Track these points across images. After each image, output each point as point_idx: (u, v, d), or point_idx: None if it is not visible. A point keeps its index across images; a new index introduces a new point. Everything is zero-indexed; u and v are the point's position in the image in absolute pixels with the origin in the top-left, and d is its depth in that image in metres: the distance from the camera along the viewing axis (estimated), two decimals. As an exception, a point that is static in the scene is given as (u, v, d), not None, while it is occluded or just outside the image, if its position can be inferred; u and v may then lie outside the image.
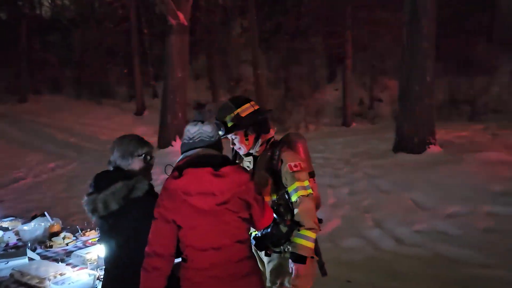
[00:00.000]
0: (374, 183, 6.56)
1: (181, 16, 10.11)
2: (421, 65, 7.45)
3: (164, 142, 10.34)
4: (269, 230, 2.25)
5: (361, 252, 4.84)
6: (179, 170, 1.96)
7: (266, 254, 2.35)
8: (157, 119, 11.56)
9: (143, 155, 2.23)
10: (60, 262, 2.74)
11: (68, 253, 2.92)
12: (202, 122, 2.12)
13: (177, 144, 9.99)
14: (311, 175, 2.48)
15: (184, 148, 2.10)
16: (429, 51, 7.45)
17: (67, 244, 3.10)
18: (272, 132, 2.47)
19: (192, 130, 2.10)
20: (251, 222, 2.04)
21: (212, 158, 2.01)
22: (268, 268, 2.40)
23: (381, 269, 4.38)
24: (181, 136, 9.88)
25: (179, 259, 2.01)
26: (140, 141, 2.26)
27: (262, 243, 2.28)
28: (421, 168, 6.55)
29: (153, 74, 17.89)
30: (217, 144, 2.12)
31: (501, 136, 8.58)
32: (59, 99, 17.44)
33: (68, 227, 3.51)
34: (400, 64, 8.02)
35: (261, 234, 2.28)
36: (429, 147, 7.26)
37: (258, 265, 2.08)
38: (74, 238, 3.21)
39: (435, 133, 7.64)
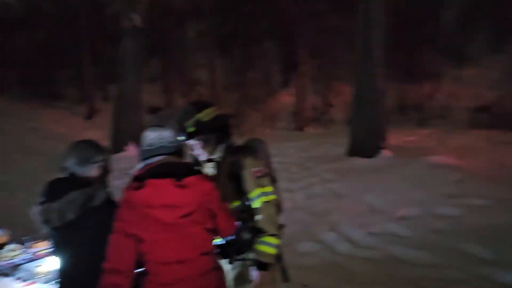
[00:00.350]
0: (329, 187, 6.68)
1: (135, 18, 9.89)
2: (372, 72, 7.71)
3: (117, 147, 10.04)
4: (231, 237, 2.22)
5: (317, 256, 4.90)
6: (139, 180, 1.88)
7: (229, 262, 2.32)
8: (108, 123, 11.20)
9: (101, 162, 2.13)
10: (8, 277, 2.57)
11: (16, 267, 2.74)
12: (162, 127, 2.06)
13: (130, 150, 9.74)
14: (273, 180, 2.48)
15: (144, 155, 2.01)
16: (380, 59, 7.73)
17: (13, 257, 2.92)
18: (233, 138, 2.45)
19: (152, 136, 2.01)
20: (215, 232, 2.00)
21: (174, 167, 1.94)
22: (230, 276, 2.37)
23: (337, 272, 4.46)
24: (135, 141, 9.71)
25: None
26: (98, 147, 2.16)
27: (226, 251, 2.25)
28: (374, 172, 6.75)
29: (105, 76, 17.36)
30: (179, 151, 2.06)
31: (447, 140, 9.04)
32: (3, 101, 16.50)
33: (15, 238, 3.30)
34: (353, 71, 8.26)
35: (224, 242, 2.25)
36: (381, 151, 7.50)
37: (224, 276, 2.04)
38: (23, 250, 3.03)
39: (387, 138, 7.91)
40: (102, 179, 2.13)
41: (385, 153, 7.47)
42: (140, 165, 1.99)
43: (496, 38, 14.19)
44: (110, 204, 2.00)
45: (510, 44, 13.76)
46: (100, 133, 12.50)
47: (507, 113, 11.18)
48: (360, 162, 7.38)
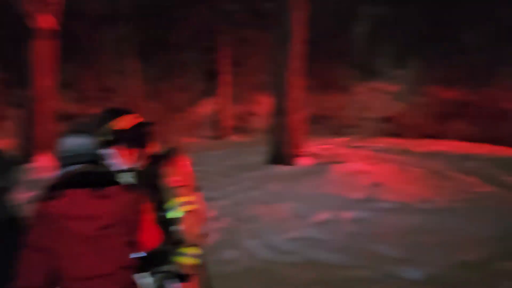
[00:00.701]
0: (250, 195, 6.78)
1: (47, 19, 9.30)
2: (290, 83, 8.01)
3: (25, 158, 9.31)
4: (151, 249, 2.15)
5: (240, 263, 4.93)
6: (56, 190, 1.75)
7: (149, 275, 2.24)
8: (13, 131, 10.38)
9: (13, 175, 1.95)
10: None
11: None
12: (82, 133, 1.94)
13: (41, 160, 9.09)
14: (194, 189, 2.45)
15: (62, 163, 1.87)
16: (297, 70, 8.06)
17: None
18: (152, 146, 2.38)
19: (70, 143, 1.88)
20: (137, 244, 1.91)
21: (95, 176, 1.83)
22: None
23: (260, 279, 4.52)
24: (46, 150, 9.09)
25: None
26: (12, 158, 1.97)
27: (146, 264, 2.17)
28: (293, 179, 6.98)
29: (14, 80, 16.05)
30: (99, 159, 1.96)
31: (359, 148, 9.64)
32: None
33: None
34: (272, 81, 8.52)
35: (144, 254, 2.17)
36: (299, 159, 7.79)
37: None
38: None
39: (304, 146, 8.24)
40: (8, 193, 1.94)
41: (303, 160, 7.77)
42: (57, 174, 1.86)
43: (400, 54, 15.44)
44: (16, 221, 1.83)
45: (410, 61, 15.07)
46: (3, 142, 11.53)
47: (408, 123, 12.29)
48: (279, 169, 7.60)
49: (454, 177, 6.94)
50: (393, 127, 12.80)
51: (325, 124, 13.84)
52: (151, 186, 2.23)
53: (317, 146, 9.47)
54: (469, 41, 13.72)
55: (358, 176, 6.71)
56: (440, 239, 4.96)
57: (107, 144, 2.17)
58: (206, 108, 16.19)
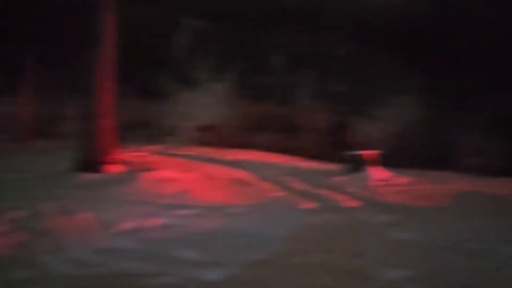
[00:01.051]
0: (51, 205, 6.31)
1: None
2: (100, 87, 7.77)
3: None
4: None
5: (35, 282, 4.50)
6: None
7: None
8: None
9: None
10: None
11: None
12: None
13: None
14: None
15: None
16: (108, 73, 7.87)
17: None
18: None
19: None
20: None
21: None
22: None
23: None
24: None
25: None
26: None
27: None
28: (100, 187, 6.78)
29: None
30: None
31: (172, 156, 9.91)
32: None
33: None
34: (82, 83, 8.14)
35: None
36: (108, 167, 7.58)
37: None
38: None
39: (117, 153, 8.05)
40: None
41: (112, 168, 7.60)
42: None
43: (217, 68, 16.45)
44: None
45: (226, 75, 16.19)
46: None
47: (221, 133, 13.23)
48: (86, 177, 7.29)
49: (254, 184, 7.71)
50: (208, 137, 13.51)
51: (142, 131, 13.73)
52: None
53: (130, 153, 9.36)
54: (276, 63, 15.47)
55: (167, 183, 6.89)
56: (239, 240, 5.43)
57: None
58: (4, 107, 14.31)
